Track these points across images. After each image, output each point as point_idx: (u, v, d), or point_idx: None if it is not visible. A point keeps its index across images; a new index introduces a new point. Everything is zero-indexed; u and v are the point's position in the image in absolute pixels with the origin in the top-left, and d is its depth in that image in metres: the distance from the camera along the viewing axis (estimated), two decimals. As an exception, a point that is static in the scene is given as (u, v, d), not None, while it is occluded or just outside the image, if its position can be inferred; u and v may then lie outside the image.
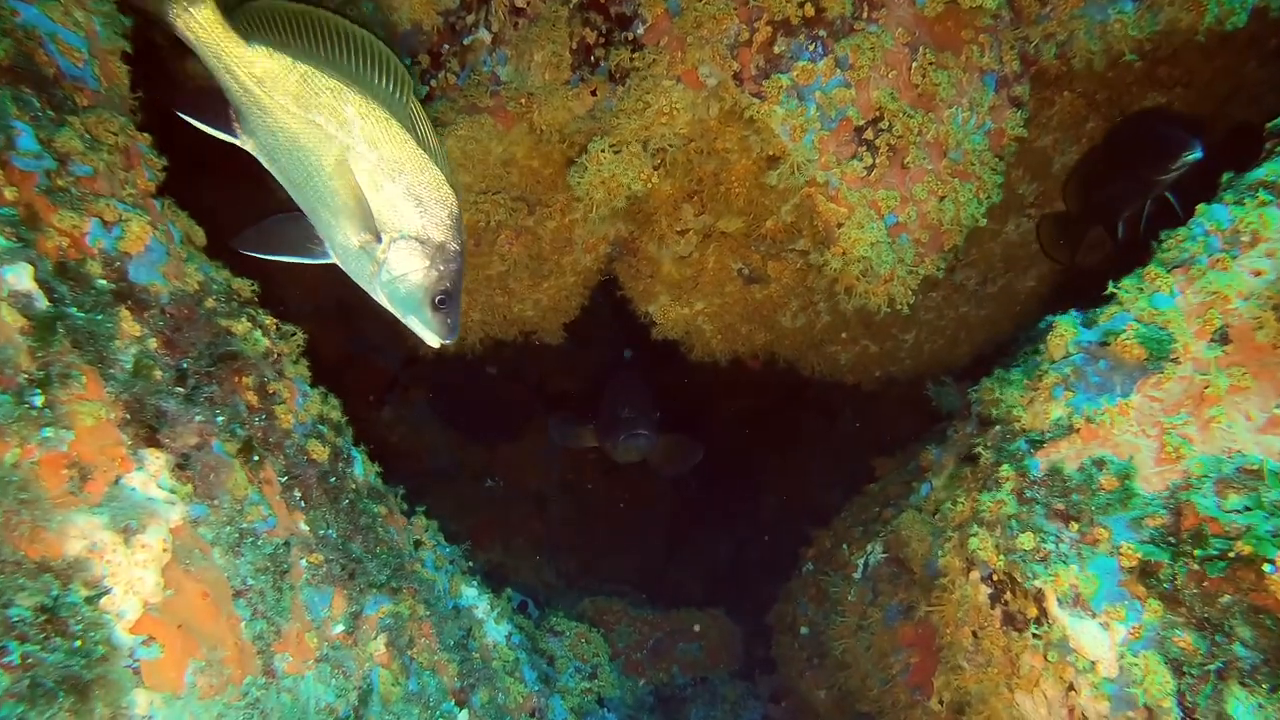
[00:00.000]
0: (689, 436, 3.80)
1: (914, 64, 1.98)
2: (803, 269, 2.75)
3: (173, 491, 1.19)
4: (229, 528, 1.28)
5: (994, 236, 3.08)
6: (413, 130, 1.43)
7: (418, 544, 2.10)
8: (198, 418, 1.29)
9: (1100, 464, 1.49)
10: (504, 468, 5.19)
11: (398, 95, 1.44)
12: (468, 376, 5.11)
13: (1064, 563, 1.44)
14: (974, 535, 1.61)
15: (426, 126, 1.46)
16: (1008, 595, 1.56)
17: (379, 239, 1.46)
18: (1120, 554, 1.39)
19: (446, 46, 2.51)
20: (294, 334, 1.81)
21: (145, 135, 1.62)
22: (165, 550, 1.08)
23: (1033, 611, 1.49)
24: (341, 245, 1.52)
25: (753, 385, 6.45)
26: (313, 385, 1.84)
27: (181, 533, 1.16)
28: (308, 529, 1.51)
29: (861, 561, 2.91)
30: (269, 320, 1.76)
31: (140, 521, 1.07)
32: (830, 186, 2.07)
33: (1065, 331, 1.68)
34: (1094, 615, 1.38)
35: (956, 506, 1.80)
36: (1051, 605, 1.44)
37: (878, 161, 2.06)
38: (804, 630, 3.36)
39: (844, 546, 3.17)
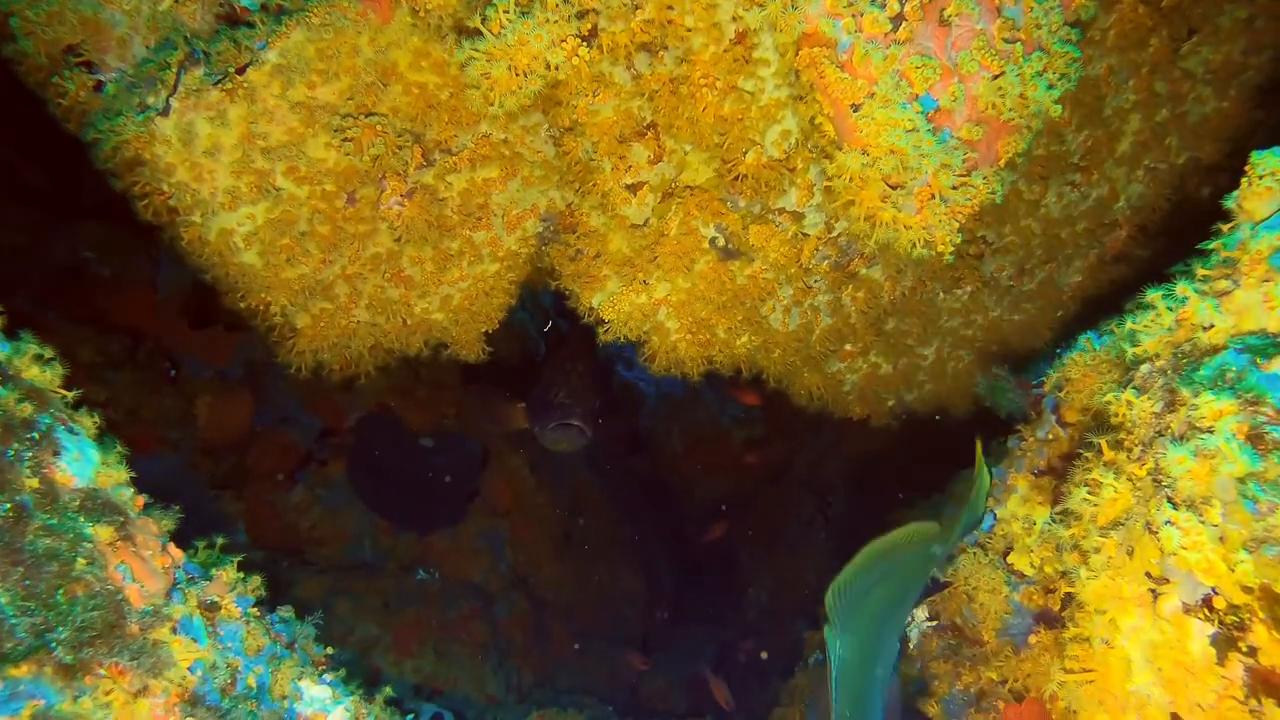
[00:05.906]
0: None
1: None
2: (795, 239, 2.06)
3: None
4: None
5: (1031, 210, 2.42)
6: None
7: (212, 606, 1.30)
8: None
9: None
10: (440, 556, 4.41)
11: None
12: (397, 450, 4.44)
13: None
14: (1165, 528, 0.86)
15: None
16: (1256, 635, 0.80)
17: None
18: None
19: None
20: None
21: None
22: None
23: (1335, 656, 0.73)
24: None
25: (733, 468, 5.87)
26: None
27: None
28: None
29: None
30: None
31: None
32: (840, 47, 1.41)
33: (1273, 165, 0.98)
34: None
35: (1098, 495, 1.05)
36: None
37: (907, 10, 1.40)
38: (816, 742, 2.53)
39: (865, 622, 2.37)
